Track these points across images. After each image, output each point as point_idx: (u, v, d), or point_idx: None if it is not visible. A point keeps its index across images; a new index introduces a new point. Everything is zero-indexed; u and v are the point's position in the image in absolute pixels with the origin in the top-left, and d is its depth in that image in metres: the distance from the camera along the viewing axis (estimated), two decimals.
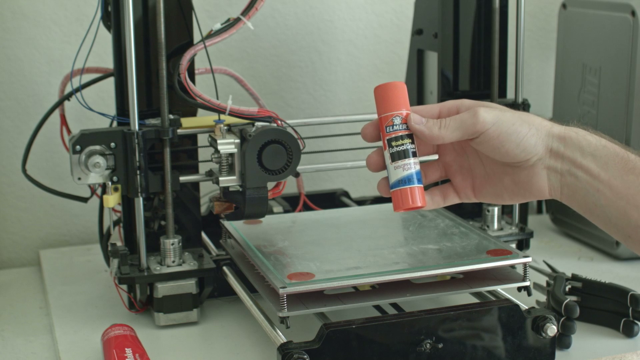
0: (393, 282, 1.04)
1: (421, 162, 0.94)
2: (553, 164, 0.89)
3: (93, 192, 1.26)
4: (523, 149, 0.89)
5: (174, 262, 1.17)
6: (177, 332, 1.15)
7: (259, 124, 1.12)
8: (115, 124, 1.18)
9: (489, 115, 0.88)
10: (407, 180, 0.90)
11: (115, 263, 1.17)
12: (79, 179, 1.13)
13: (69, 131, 1.27)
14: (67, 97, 1.22)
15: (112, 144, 1.13)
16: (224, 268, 1.19)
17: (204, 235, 1.27)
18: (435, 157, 0.96)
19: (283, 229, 1.21)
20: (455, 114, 0.91)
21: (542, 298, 1.18)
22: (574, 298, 1.13)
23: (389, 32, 1.65)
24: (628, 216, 0.87)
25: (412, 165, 0.90)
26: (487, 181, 0.94)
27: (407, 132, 0.91)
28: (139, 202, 1.15)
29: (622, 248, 1.37)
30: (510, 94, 1.34)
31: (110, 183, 1.13)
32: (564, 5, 1.49)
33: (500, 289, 1.09)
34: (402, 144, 0.90)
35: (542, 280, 1.21)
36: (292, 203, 1.38)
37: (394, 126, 0.91)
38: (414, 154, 0.91)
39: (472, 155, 0.94)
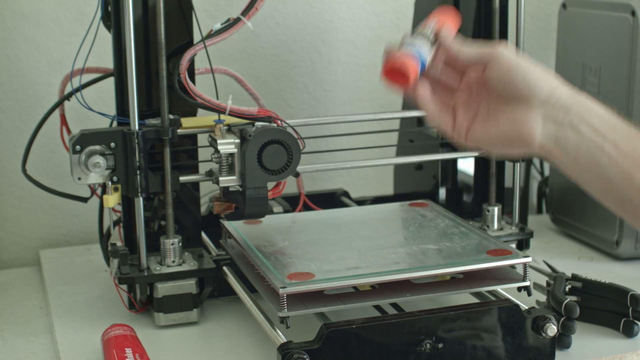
0: (393, 282, 1.04)
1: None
2: (554, 114, 0.89)
3: (93, 192, 1.26)
4: (527, 83, 0.89)
5: (174, 262, 1.17)
6: (177, 332, 1.15)
7: (259, 124, 1.12)
8: (115, 124, 1.18)
9: (508, 50, 0.91)
10: (413, 47, 0.92)
11: (115, 263, 1.17)
12: (79, 179, 1.13)
13: (69, 131, 1.27)
14: (67, 97, 1.22)
15: (112, 144, 1.13)
16: (224, 268, 1.19)
17: (204, 235, 1.27)
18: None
19: (283, 229, 1.21)
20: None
21: (542, 298, 1.18)
22: (574, 298, 1.13)
23: (389, 32, 1.65)
24: (633, 178, 0.86)
25: (422, 46, 0.93)
26: (484, 121, 0.94)
27: (434, 32, 0.95)
28: (139, 202, 1.15)
29: (622, 248, 1.37)
30: None
31: (110, 183, 1.13)
32: (564, 5, 1.49)
33: (500, 289, 1.09)
34: (425, 31, 0.94)
35: (542, 280, 1.21)
36: (292, 203, 1.38)
37: (427, 23, 0.95)
38: (431, 42, 0.94)
39: (483, 99, 0.94)
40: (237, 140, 1.11)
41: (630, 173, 0.86)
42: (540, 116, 0.89)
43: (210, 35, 1.14)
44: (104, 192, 1.16)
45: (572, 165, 0.89)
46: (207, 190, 1.34)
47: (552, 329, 1.03)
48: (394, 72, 0.91)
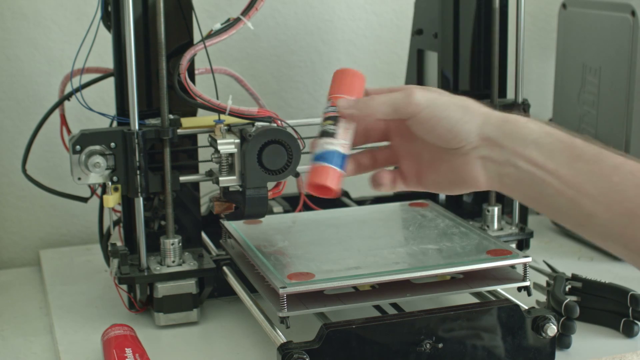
0: (393, 282, 1.04)
1: (372, 147, 0.95)
2: (489, 154, 0.86)
3: (93, 192, 1.26)
4: (455, 134, 0.86)
5: (174, 262, 1.17)
6: (177, 332, 1.15)
7: (259, 124, 1.12)
8: (115, 124, 1.18)
9: (423, 97, 0.87)
10: (322, 157, 0.89)
11: (115, 263, 1.17)
12: (79, 179, 1.13)
13: (69, 131, 1.27)
14: (67, 97, 1.22)
15: (112, 144, 1.13)
16: (224, 268, 1.19)
17: (204, 235, 1.27)
18: (386, 143, 0.96)
19: (283, 229, 1.21)
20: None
21: (542, 298, 1.18)
22: (574, 298, 1.13)
23: (389, 32, 1.65)
24: (580, 205, 0.82)
25: (332, 146, 0.90)
26: (429, 168, 0.91)
27: (333, 115, 0.91)
28: (139, 202, 1.15)
29: None
30: (510, 94, 1.34)
31: (110, 183, 1.13)
32: (564, 5, 1.49)
33: (500, 289, 1.09)
34: (326, 125, 0.91)
35: (542, 280, 1.21)
36: (292, 203, 1.38)
37: (326, 108, 0.92)
38: (335, 135, 0.90)
39: (419, 140, 0.91)
40: (237, 140, 1.11)
41: (577, 201, 0.82)
42: (478, 159, 0.87)
43: (210, 35, 1.14)
44: (104, 192, 1.16)
45: (522, 199, 0.87)
46: (207, 190, 1.34)
47: (552, 329, 1.03)
48: (317, 188, 0.90)
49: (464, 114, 0.86)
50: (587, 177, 0.82)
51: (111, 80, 1.20)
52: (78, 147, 1.12)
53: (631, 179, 0.81)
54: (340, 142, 0.91)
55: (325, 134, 0.91)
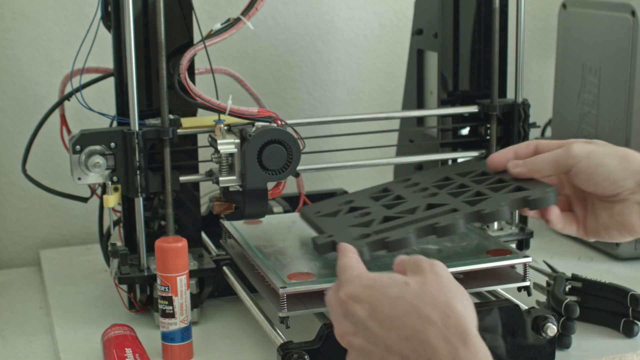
0: None
1: None
2: None
3: (93, 192, 1.26)
4: (612, 181, 0.91)
5: None
6: None
7: (259, 124, 1.12)
8: (115, 124, 1.18)
9: (581, 149, 0.93)
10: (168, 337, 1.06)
11: (115, 263, 1.17)
12: (79, 179, 1.13)
13: (69, 131, 1.27)
14: (67, 97, 1.23)
15: (112, 144, 1.13)
16: (224, 268, 1.19)
17: (204, 235, 1.27)
18: None
19: (283, 229, 1.20)
20: (531, 151, 1.00)
21: (542, 298, 1.18)
22: (574, 298, 1.13)
23: (389, 32, 1.65)
24: None
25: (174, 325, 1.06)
26: (591, 215, 0.98)
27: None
28: (139, 202, 1.15)
29: (622, 248, 1.37)
30: (510, 94, 1.34)
31: (110, 183, 1.13)
32: (564, 5, 1.49)
33: (500, 289, 1.09)
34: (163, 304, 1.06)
35: (542, 280, 1.21)
36: (292, 203, 1.38)
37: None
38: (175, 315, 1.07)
39: (583, 191, 0.97)
40: (237, 140, 1.11)
41: None
42: (636, 204, 0.92)
43: (210, 35, 1.14)
44: (104, 192, 1.16)
45: None
46: (207, 190, 1.34)
47: (552, 329, 1.03)
48: None
49: (621, 161, 0.91)
50: None
51: (111, 80, 1.20)
52: (78, 147, 1.12)
53: None
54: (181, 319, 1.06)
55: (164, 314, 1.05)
